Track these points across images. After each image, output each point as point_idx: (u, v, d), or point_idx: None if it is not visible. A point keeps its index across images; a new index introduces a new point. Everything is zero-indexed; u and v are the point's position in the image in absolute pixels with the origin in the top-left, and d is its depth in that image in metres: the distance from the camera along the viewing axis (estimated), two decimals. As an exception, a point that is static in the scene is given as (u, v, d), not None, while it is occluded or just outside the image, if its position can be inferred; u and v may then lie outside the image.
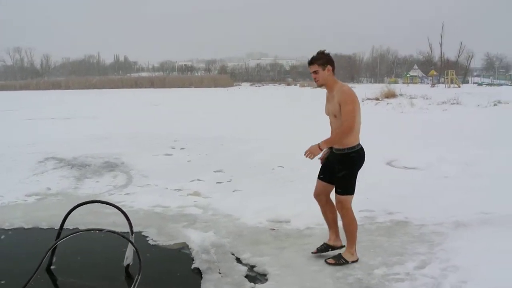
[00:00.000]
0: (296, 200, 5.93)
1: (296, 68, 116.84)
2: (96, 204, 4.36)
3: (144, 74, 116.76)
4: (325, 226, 5.03)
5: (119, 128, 15.89)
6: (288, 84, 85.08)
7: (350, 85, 4.56)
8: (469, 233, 4.78)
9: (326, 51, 4.07)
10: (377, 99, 25.48)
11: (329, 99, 4.11)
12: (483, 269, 3.72)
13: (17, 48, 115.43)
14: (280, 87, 71.49)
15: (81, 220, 5.22)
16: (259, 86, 77.90)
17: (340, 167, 4.03)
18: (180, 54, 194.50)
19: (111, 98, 40.25)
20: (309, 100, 28.26)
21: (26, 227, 5.34)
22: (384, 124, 14.57)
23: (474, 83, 65.06)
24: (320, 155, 4.14)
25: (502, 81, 60.97)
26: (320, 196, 4.35)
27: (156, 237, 4.95)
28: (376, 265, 4.03)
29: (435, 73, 67.52)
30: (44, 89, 74.36)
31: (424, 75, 79.35)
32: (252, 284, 3.75)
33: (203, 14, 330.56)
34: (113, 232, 3.67)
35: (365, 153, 4.11)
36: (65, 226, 4.17)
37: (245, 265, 4.15)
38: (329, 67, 3.98)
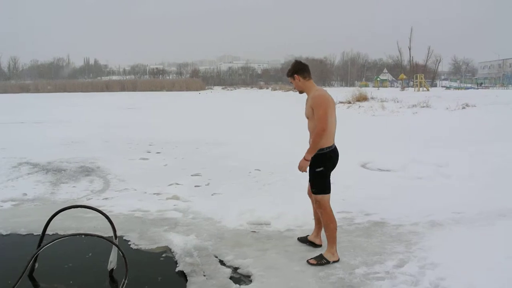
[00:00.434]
0: (275, 203, 6.03)
1: (268, 72, 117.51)
2: (76, 209, 4.34)
3: (115, 77, 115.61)
4: (305, 227, 5.16)
5: (92, 132, 15.73)
6: (261, 88, 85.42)
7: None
8: (444, 232, 4.96)
9: (298, 59, 4.48)
10: (349, 102, 25.88)
11: (306, 103, 4.32)
12: (459, 266, 3.88)
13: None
14: (253, 91, 71.71)
15: (61, 225, 5.18)
16: (231, 90, 77.97)
17: (310, 167, 4.23)
18: (151, 57, 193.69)
19: (82, 102, 39.70)
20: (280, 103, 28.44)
21: (4, 233, 5.24)
22: (357, 127, 14.83)
23: (442, 86, 66.57)
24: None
25: (469, 85, 62.60)
26: (310, 196, 4.62)
27: (138, 241, 4.95)
28: (357, 265, 4.14)
29: (404, 76, 68.88)
30: (11, 92, 72.67)
31: (394, 78, 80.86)
32: (237, 285, 3.81)
33: (174, 18, 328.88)
34: (101, 237, 3.67)
35: (339, 155, 4.32)
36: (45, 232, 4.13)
37: (229, 267, 4.20)
38: (295, 76, 4.33)
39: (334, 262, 4.19)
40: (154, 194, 6.98)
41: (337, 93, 30.78)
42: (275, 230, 5.22)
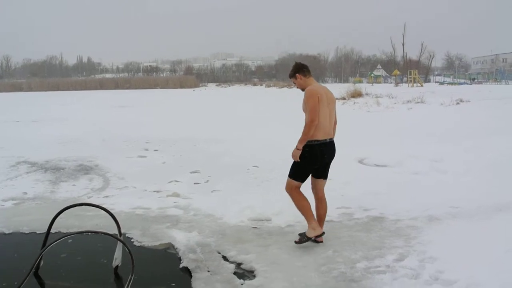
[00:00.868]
0: (275, 199, 6.08)
1: (262, 68, 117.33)
2: (78, 207, 4.39)
3: (108, 75, 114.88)
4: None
5: (88, 130, 15.72)
6: (255, 84, 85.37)
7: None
8: (442, 227, 5.05)
9: (297, 61, 4.90)
10: (343, 98, 25.97)
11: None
12: (458, 260, 3.96)
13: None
14: (247, 88, 71.71)
15: (63, 223, 5.20)
16: (225, 87, 77.90)
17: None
18: (144, 55, 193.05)
19: (77, 100, 39.58)
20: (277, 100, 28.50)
21: (7, 232, 5.27)
22: (353, 123, 14.90)
23: (436, 82, 66.98)
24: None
25: (462, 80, 62.92)
26: (313, 191, 4.82)
27: (141, 238, 5.01)
28: (358, 259, 4.22)
29: (398, 72, 69.13)
30: (4, 91, 72.20)
31: (387, 74, 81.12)
32: (242, 280, 3.88)
33: (167, 15, 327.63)
34: (108, 234, 3.71)
35: (336, 151, 4.65)
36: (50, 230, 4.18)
37: (232, 262, 4.27)
38: (297, 75, 4.70)
39: (316, 236, 4.50)
40: (154, 191, 7.03)
41: (332, 89, 30.17)
42: (276, 226, 5.30)
